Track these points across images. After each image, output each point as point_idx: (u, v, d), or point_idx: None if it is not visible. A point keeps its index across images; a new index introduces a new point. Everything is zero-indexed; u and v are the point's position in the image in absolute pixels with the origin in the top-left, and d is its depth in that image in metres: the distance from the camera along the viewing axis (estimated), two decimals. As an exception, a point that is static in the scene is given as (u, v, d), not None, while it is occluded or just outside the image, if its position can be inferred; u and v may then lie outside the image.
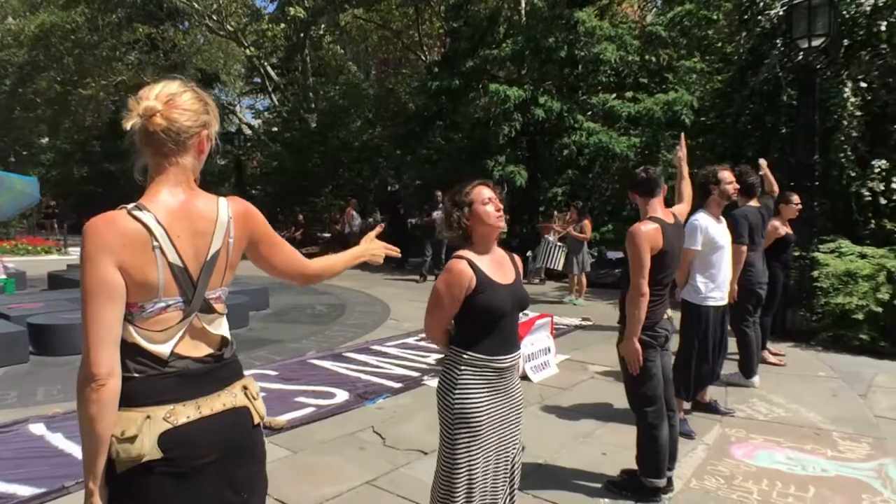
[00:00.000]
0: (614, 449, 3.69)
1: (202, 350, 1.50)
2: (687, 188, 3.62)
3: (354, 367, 5.65)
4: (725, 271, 4.06)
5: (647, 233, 2.93)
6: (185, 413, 1.42)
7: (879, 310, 6.31)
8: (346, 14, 18.34)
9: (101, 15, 19.81)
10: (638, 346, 2.91)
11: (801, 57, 7.17)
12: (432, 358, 5.99)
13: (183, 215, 1.45)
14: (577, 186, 13.93)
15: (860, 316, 6.33)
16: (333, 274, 1.85)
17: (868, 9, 8.47)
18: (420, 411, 4.44)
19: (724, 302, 4.10)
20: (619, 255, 11.84)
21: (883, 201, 7.78)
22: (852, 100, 8.24)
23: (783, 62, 9.27)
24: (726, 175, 4.05)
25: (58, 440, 3.88)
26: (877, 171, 7.88)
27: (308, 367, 5.62)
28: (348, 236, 15.00)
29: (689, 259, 3.94)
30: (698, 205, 4.05)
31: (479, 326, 2.15)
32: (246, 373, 5.44)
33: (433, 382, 5.17)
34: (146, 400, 1.40)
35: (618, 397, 4.68)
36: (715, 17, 13.01)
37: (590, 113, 12.92)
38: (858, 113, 8.24)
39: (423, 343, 6.58)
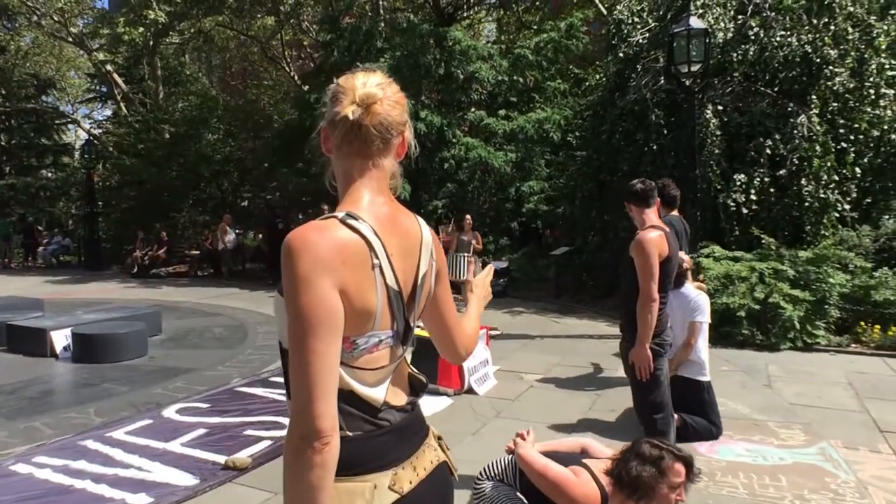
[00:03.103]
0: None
1: (401, 396, 1.30)
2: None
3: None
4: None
5: (654, 239, 3.07)
6: (407, 478, 1.22)
7: (757, 307, 7.19)
8: (208, 21, 17.27)
9: None
10: (649, 352, 3.04)
11: (683, 80, 7.98)
12: (367, 378, 5.81)
13: (393, 229, 1.24)
14: (456, 199, 14.26)
15: (742, 313, 7.15)
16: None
17: (721, 41, 9.63)
18: (386, 435, 4.28)
19: None
20: (503, 265, 12.29)
21: (745, 211, 8.84)
22: (714, 121, 9.30)
23: (650, 84, 10.26)
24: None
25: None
26: (738, 184, 8.94)
27: (239, 397, 5.21)
28: (221, 253, 14.08)
29: (697, 333, 4.01)
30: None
31: None
32: (174, 406, 4.93)
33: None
34: (368, 465, 1.17)
35: (569, 405, 4.88)
36: (573, 46, 14.00)
37: (466, 129, 13.35)
38: (718, 132, 9.31)
39: (348, 363, 6.37)
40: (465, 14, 16.82)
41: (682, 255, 4.32)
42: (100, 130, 22.85)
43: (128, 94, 20.13)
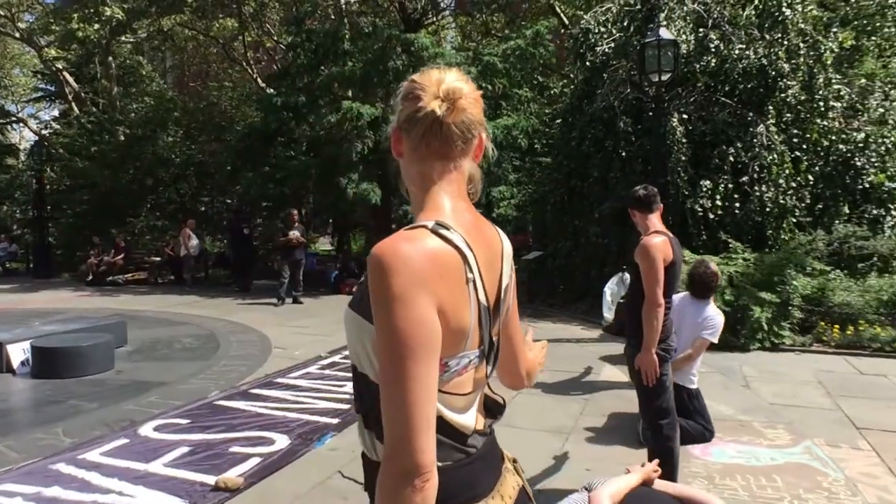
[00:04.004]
0: (593, 464, 3.84)
1: (481, 420, 1.20)
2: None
3: (272, 405, 5.18)
4: None
5: (659, 245, 3.09)
6: None
7: (728, 309, 7.37)
8: (167, 20, 16.79)
9: None
10: (656, 357, 3.06)
11: (648, 90, 8.17)
12: (348, 386, 5.70)
13: (478, 238, 1.14)
14: (426, 204, 14.21)
15: (714, 316, 7.33)
16: None
17: (684, 52, 9.89)
18: (379, 447, 4.21)
19: None
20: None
21: (711, 216, 9.09)
22: (680, 129, 9.54)
23: (617, 92, 10.47)
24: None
25: None
26: (704, 190, 9.18)
27: (221, 411, 5.04)
28: (184, 259, 13.68)
29: (702, 350, 4.12)
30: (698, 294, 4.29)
31: None
32: (150, 423, 4.72)
33: (370, 414, 4.94)
34: (461, 497, 1.10)
35: (560, 411, 4.90)
36: (541, 53, 14.15)
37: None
38: (684, 140, 9.56)
39: (327, 371, 6.27)
40: (431, 20, 16.83)
41: (713, 265, 4.40)
42: (48, 131, 21.87)
43: (79, 94, 19.38)
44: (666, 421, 3.16)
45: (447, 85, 1.14)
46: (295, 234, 11.25)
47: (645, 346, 3.07)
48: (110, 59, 18.72)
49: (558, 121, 12.63)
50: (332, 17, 16.49)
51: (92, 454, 4.15)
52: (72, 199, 17.88)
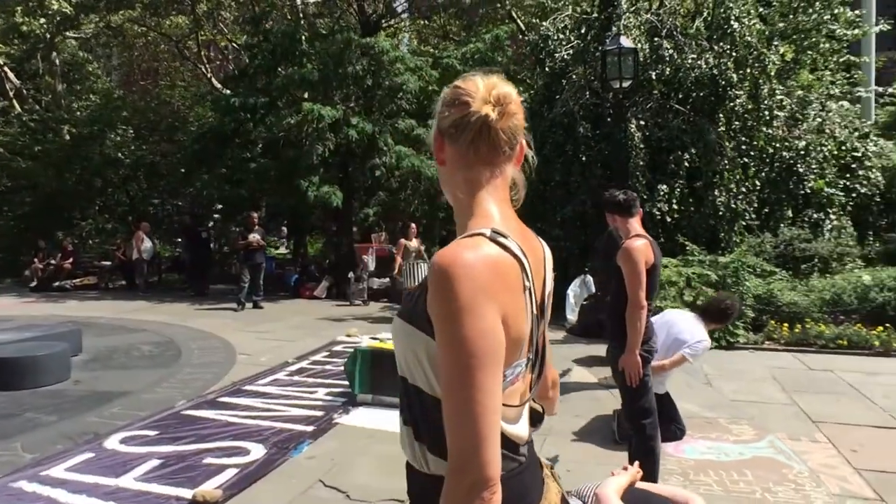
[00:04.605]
0: (573, 464, 3.92)
1: (526, 428, 1.19)
2: None
3: (242, 413, 5.09)
4: None
5: (641, 248, 3.18)
6: None
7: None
8: (117, 16, 16.21)
9: None
10: (639, 358, 3.16)
11: (606, 95, 8.39)
12: (321, 392, 5.68)
13: (526, 245, 1.13)
14: (388, 208, 14.20)
15: (673, 315, 7.58)
16: None
17: (641, 58, 10.18)
18: (359, 455, 4.21)
19: None
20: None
21: (668, 219, 9.38)
22: (637, 134, 9.81)
23: (576, 98, 10.69)
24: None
25: None
26: (661, 194, 9.48)
27: (189, 421, 4.92)
28: (136, 263, 13.26)
29: (678, 365, 4.04)
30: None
31: None
32: (116, 435, 4.58)
33: (346, 419, 4.93)
34: None
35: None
36: (499, 58, 14.30)
37: (398, 137, 13.31)
38: (642, 145, 9.84)
39: (297, 378, 6.20)
40: (389, 23, 16.79)
41: (734, 300, 4.28)
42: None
43: (21, 91, 18.54)
44: (649, 420, 3.26)
45: (499, 90, 1.13)
46: (255, 237, 11.07)
47: (629, 348, 3.16)
48: (54, 54, 17.97)
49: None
50: (289, 17, 16.28)
51: (56, 470, 3.99)
52: (13, 200, 17.07)
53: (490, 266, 1.02)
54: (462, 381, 0.97)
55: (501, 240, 1.07)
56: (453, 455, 0.99)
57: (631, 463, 2.24)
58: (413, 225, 10.42)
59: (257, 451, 4.28)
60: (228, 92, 13.91)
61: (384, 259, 12.15)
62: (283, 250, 20.81)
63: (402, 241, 9.93)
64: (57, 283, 13.80)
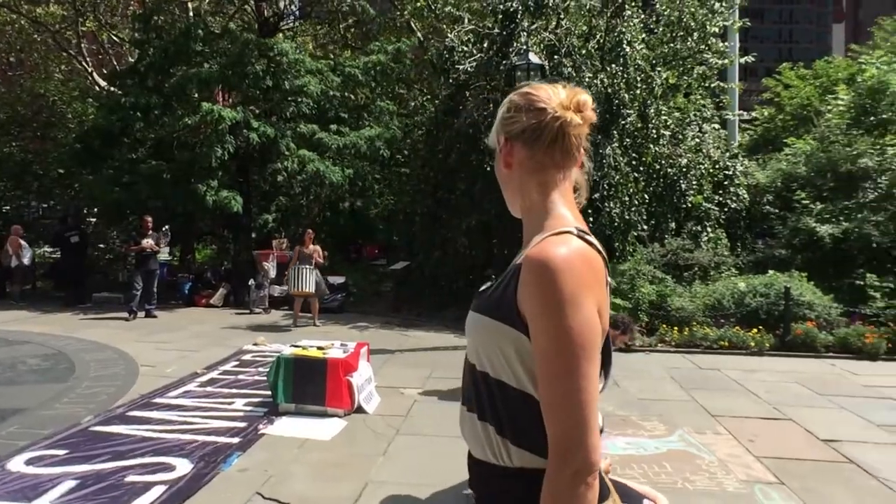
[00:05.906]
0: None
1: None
2: None
3: (158, 427, 4.81)
4: None
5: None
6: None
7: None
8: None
9: None
10: None
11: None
12: (239, 402, 5.48)
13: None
14: (288, 213, 13.84)
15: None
16: None
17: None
18: (293, 464, 4.12)
19: None
20: (341, 279, 12.25)
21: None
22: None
23: (481, 109, 11.04)
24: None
25: None
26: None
27: (101, 438, 4.57)
28: (15, 270, 12.01)
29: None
30: None
31: None
32: (19, 457, 4.29)
33: (272, 429, 4.80)
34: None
35: (448, 417, 5.07)
36: (399, 69, 14.42)
37: (300, 141, 13.04)
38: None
39: (210, 388, 5.93)
40: (289, 26, 16.43)
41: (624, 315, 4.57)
42: None
43: None
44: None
45: (578, 97, 1.18)
46: (149, 241, 10.42)
47: None
48: None
49: (420, 132, 12.97)
50: (178, 14, 15.48)
51: (-47, 498, 3.61)
52: None
53: (585, 260, 1.08)
54: (568, 371, 1.02)
55: (586, 237, 1.13)
56: (559, 443, 1.03)
57: None
58: (310, 231, 10.24)
59: (183, 465, 4.07)
60: (114, 89, 12.97)
61: (285, 266, 11.82)
62: (166, 256, 19.58)
63: (298, 247, 9.76)
64: None
